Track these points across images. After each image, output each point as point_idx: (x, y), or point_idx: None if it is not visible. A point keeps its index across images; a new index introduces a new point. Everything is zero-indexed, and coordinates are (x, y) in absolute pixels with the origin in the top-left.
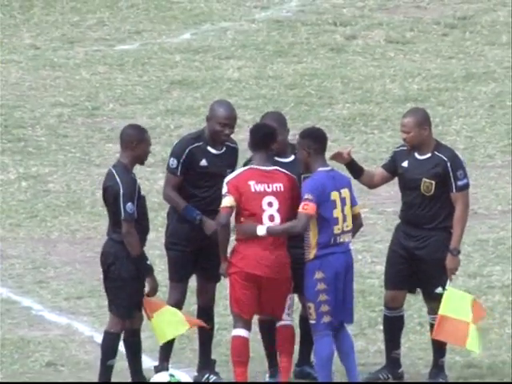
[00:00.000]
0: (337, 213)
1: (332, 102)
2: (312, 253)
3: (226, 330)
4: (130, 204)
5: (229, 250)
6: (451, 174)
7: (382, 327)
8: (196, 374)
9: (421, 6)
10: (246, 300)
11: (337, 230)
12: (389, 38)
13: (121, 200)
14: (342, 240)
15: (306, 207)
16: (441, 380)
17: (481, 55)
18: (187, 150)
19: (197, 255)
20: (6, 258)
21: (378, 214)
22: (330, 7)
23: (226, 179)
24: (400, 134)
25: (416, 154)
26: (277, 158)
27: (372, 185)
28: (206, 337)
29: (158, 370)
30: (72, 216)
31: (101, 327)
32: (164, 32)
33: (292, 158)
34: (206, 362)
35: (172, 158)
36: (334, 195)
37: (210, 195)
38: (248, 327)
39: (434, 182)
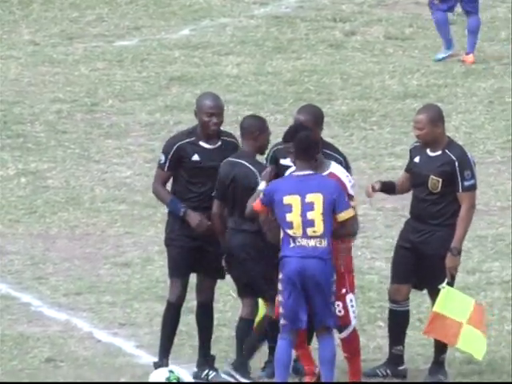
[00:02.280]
0: (291, 217)
1: (331, 98)
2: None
3: (225, 327)
4: None
5: None
6: (458, 173)
7: (381, 323)
8: (196, 369)
9: (420, 2)
10: None
11: (292, 233)
12: (388, 34)
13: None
14: (300, 244)
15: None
16: (440, 377)
17: (480, 51)
18: (175, 146)
19: (196, 251)
20: (5, 253)
21: (378, 210)
22: (329, 3)
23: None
24: (413, 131)
25: (428, 151)
26: None
27: (406, 191)
28: (205, 333)
29: (157, 365)
30: (71, 212)
31: (100, 323)
32: (163, 28)
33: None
34: (205, 358)
35: (161, 154)
36: (289, 199)
37: (206, 191)
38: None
39: (440, 180)
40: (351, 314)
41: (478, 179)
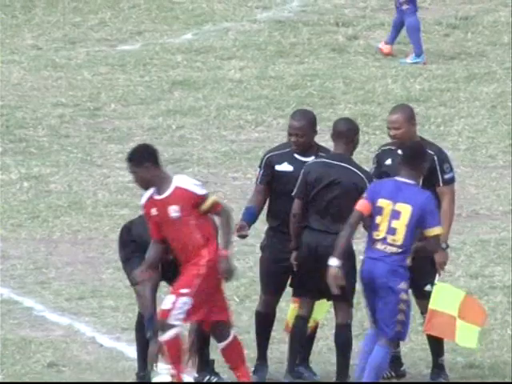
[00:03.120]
0: (379, 220)
1: (334, 103)
2: None
3: None
4: None
5: None
6: (438, 167)
7: None
8: (196, 375)
9: (422, 7)
10: None
11: (375, 235)
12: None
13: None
14: (378, 248)
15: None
16: (442, 380)
17: (482, 55)
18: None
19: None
20: (8, 258)
21: None
22: (332, 7)
23: None
24: (388, 132)
25: (399, 151)
26: (298, 156)
27: None
28: (202, 338)
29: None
30: (74, 216)
31: (102, 328)
32: (166, 32)
33: (312, 158)
34: (205, 363)
35: None
36: (382, 203)
37: None
38: None
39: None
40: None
41: (481, 183)
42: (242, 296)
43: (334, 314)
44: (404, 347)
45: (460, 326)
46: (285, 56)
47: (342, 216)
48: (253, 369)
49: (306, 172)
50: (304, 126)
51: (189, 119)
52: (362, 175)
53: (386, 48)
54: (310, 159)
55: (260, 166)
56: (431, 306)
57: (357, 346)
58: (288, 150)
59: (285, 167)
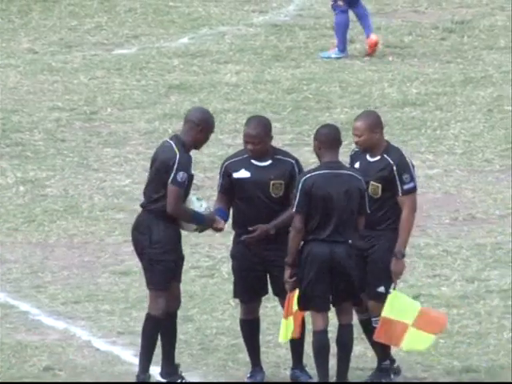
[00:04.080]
0: None
1: (330, 107)
2: None
3: (224, 335)
4: None
5: None
6: (397, 177)
7: None
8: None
9: (419, 11)
10: None
11: None
12: (387, 42)
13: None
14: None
15: None
16: (383, 380)
17: (479, 59)
18: None
19: None
20: (4, 262)
21: None
22: (328, 11)
23: None
24: (353, 138)
25: (367, 156)
26: (255, 162)
27: None
28: (168, 341)
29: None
30: (70, 220)
31: (98, 332)
32: (162, 36)
33: (269, 162)
34: (171, 367)
35: None
36: None
37: None
38: None
39: (380, 185)
40: None
41: (477, 187)
42: (238, 300)
43: (337, 314)
44: (401, 351)
45: (411, 333)
46: (281, 60)
47: (351, 223)
48: (248, 375)
49: (307, 185)
50: (259, 134)
51: None
52: (360, 177)
53: (371, 39)
54: (267, 163)
55: (219, 174)
56: (384, 313)
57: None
58: (245, 156)
59: (242, 174)
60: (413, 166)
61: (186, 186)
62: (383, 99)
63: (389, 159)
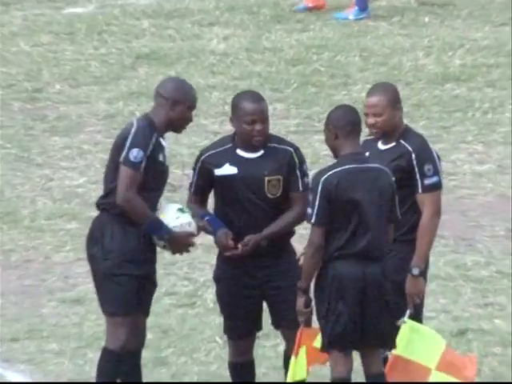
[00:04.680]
0: None
1: (348, 83)
2: None
3: None
4: None
5: None
6: (417, 168)
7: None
8: None
9: None
10: None
11: None
12: None
13: None
14: None
15: None
16: None
17: None
18: None
19: None
20: None
21: None
22: None
23: None
24: (365, 120)
25: (379, 144)
26: (241, 153)
27: None
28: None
29: None
30: (5, 231)
31: (43, 378)
32: None
33: (261, 152)
34: None
35: None
36: None
37: None
38: None
39: (394, 179)
40: None
41: None
42: (226, 337)
43: (364, 358)
44: None
45: (436, 378)
46: (283, 22)
47: (386, 233)
48: None
49: (329, 186)
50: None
51: None
52: (387, 170)
53: None
54: (259, 154)
55: (194, 170)
56: (398, 351)
57: None
58: (229, 146)
59: (227, 170)
60: (439, 158)
61: (142, 169)
62: (417, 73)
63: (407, 145)
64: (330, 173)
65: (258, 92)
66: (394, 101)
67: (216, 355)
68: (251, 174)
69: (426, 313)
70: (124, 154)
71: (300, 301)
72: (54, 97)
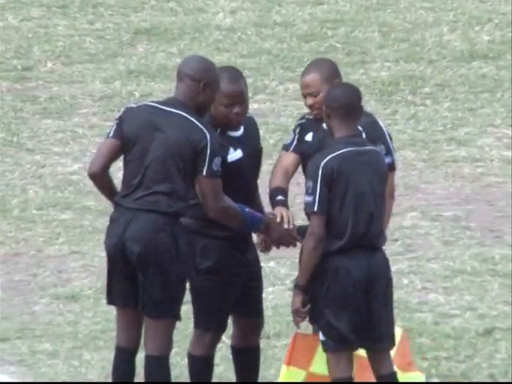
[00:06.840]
0: None
1: (366, 61)
2: None
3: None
4: None
5: None
6: None
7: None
8: None
9: None
10: None
11: None
12: None
13: None
14: None
15: None
16: None
17: None
18: None
19: None
20: None
21: (432, 220)
22: None
23: None
24: (304, 101)
25: (324, 125)
26: (231, 133)
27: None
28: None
29: None
30: None
31: (37, 380)
32: None
33: (242, 129)
34: None
35: None
36: None
37: None
38: None
39: None
40: None
41: None
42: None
43: (372, 360)
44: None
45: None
46: None
47: (383, 215)
48: None
49: (330, 170)
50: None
51: (158, 84)
52: (380, 152)
53: None
54: (240, 133)
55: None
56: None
57: None
58: (218, 130)
59: (236, 154)
60: (390, 138)
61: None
62: (441, 49)
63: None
64: (329, 157)
65: (235, 68)
66: (331, 77)
67: (222, 356)
68: (252, 155)
69: (450, 310)
70: (206, 167)
71: (297, 299)
72: (46, 76)
